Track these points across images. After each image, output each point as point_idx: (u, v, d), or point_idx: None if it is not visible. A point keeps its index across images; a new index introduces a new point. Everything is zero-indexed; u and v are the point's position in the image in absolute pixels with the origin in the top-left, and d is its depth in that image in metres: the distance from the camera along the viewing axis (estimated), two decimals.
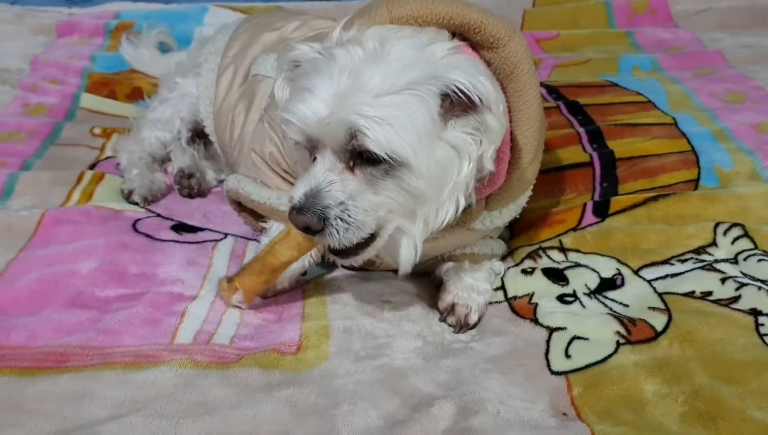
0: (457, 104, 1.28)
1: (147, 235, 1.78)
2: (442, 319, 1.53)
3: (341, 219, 1.29)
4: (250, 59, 1.90)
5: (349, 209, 1.29)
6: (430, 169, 1.28)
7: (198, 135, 2.11)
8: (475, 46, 1.40)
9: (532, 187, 1.56)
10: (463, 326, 1.50)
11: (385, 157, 1.25)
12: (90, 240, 1.72)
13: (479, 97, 1.25)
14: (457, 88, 1.25)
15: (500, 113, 1.29)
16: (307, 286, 1.62)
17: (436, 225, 1.36)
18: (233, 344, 1.45)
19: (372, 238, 1.35)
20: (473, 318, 1.51)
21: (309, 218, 1.29)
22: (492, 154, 1.33)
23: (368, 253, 1.38)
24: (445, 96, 1.27)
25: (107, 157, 2.18)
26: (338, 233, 1.29)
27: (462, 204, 1.36)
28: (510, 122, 1.43)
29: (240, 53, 1.95)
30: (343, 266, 1.62)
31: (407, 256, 1.38)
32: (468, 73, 1.26)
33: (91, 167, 2.11)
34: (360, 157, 1.27)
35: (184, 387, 1.32)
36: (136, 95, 2.53)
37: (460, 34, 1.39)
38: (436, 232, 1.39)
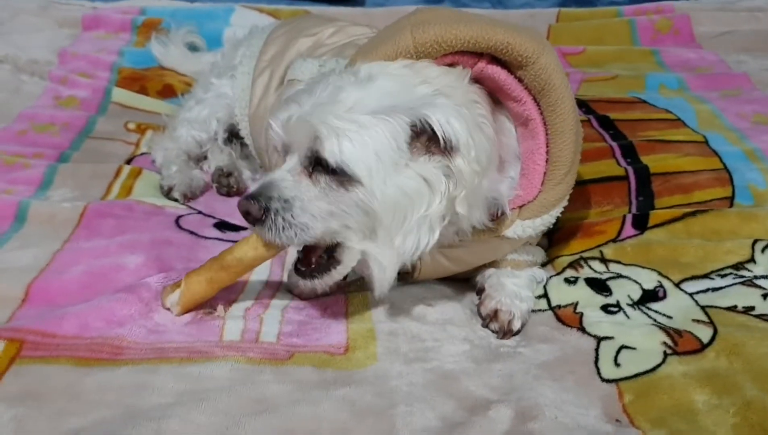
0: (433, 141, 1.30)
1: (191, 232, 1.78)
2: (485, 325, 1.54)
3: (282, 216, 1.31)
4: (287, 63, 1.91)
5: (293, 208, 1.31)
6: (386, 193, 1.29)
7: (234, 135, 2.12)
8: (507, 66, 1.42)
9: (567, 198, 1.58)
10: (506, 332, 1.51)
11: (338, 168, 1.28)
12: (134, 234, 1.73)
13: (444, 137, 1.28)
14: (427, 123, 1.28)
15: (472, 159, 1.29)
16: (349, 288, 1.63)
17: (407, 253, 1.36)
18: (280, 341, 1.45)
19: (334, 261, 1.38)
20: (516, 325, 1.52)
21: (251, 204, 1.31)
22: (463, 199, 1.33)
23: (331, 278, 1.40)
24: (420, 131, 1.30)
25: (142, 153, 2.19)
26: (277, 228, 1.31)
27: (436, 237, 1.36)
28: (546, 135, 1.47)
29: (276, 57, 1.96)
30: None
31: (379, 277, 1.37)
32: (443, 114, 1.28)
33: (128, 162, 2.12)
34: (320, 165, 1.30)
35: (242, 382, 1.33)
36: (167, 92, 2.54)
37: (489, 55, 1.41)
38: (412, 261, 1.38)
